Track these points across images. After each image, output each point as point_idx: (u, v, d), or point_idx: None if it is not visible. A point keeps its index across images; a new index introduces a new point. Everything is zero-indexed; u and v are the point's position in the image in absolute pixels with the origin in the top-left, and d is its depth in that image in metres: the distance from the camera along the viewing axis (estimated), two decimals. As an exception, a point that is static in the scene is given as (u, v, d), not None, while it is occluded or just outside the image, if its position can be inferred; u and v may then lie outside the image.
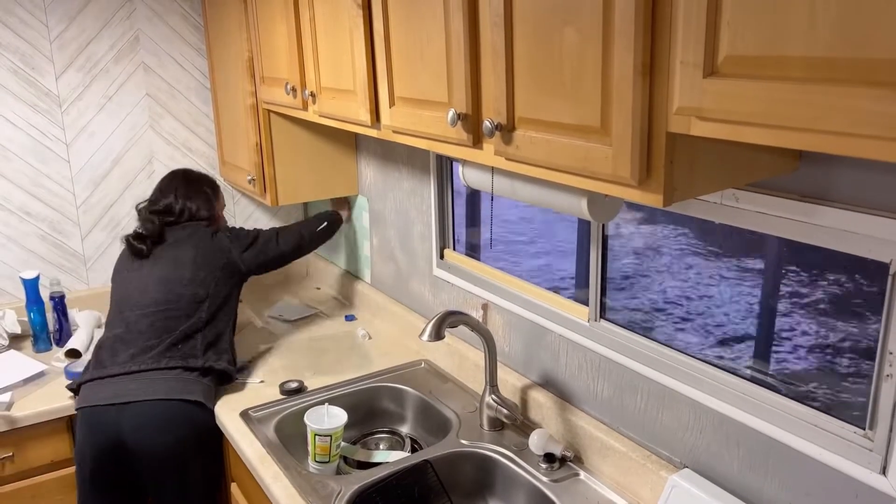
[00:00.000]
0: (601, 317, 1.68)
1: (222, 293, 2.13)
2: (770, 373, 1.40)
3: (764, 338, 1.50)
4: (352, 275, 2.78)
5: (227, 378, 2.10)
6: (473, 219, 2.32)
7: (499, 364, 2.00)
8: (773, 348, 1.45)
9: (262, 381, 2.16)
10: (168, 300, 2.07)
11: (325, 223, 2.40)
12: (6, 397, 2.07)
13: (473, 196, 2.34)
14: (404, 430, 2.11)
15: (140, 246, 2.14)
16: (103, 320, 2.61)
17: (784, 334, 1.44)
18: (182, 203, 2.22)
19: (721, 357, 1.45)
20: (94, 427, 1.93)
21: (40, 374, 2.26)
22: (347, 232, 2.75)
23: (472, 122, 1.33)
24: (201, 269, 2.11)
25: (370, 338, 2.45)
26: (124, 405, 1.92)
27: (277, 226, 2.56)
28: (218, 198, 2.35)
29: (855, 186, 1.11)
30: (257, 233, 2.26)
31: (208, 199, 2.28)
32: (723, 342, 1.51)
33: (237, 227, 2.28)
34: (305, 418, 1.80)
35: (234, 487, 2.09)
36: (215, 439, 2.05)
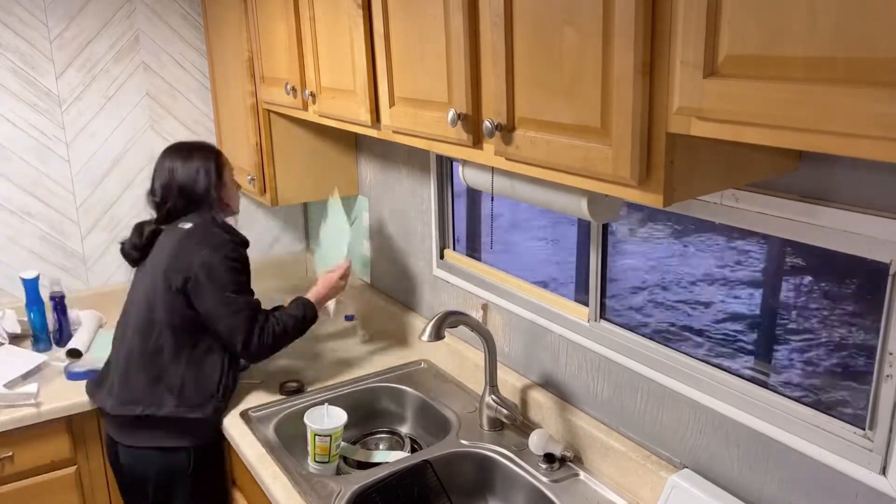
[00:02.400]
0: (601, 317, 1.68)
1: (175, 320, 1.89)
2: (769, 373, 1.40)
3: (765, 338, 1.50)
4: (352, 275, 2.78)
5: (195, 422, 1.89)
6: (473, 219, 2.32)
7: (499, 364, 2.00)
8: (774, 349, 1.45)
9: (261, 382, 2.17)
10: (136, 324, 1.94)
11: (304, 321, 2.00)
12: (32, 388, 2.09)
13: (473, 196, 2.34)
14: (404, 430, 2.11)
15: (132, 256, 2.03)
16: (105, 320, 2.61)
17: (785, 334, 1.44)
18: (170, 190, 1.96)
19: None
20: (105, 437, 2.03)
21: (38, 368, 2.27)
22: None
23: (472, 123, 1.33)
24: (164, 293, 1.88)
25: (370, 338, 2.45)
26: (120, 444, 1.97)
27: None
28: (222, 171, 2.04)
29: (855, 186, 1.11)
30: (239, 291, 1.89)
31: (201, 178, 1.98)
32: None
33: (237, 261, 1.93)
34: (305, 418, 1.80)
35: (234, 487, 2.09)
36: (199, 467, 1.93)
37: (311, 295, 2.07)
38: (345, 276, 2.15)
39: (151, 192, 2.02)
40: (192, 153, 2.00)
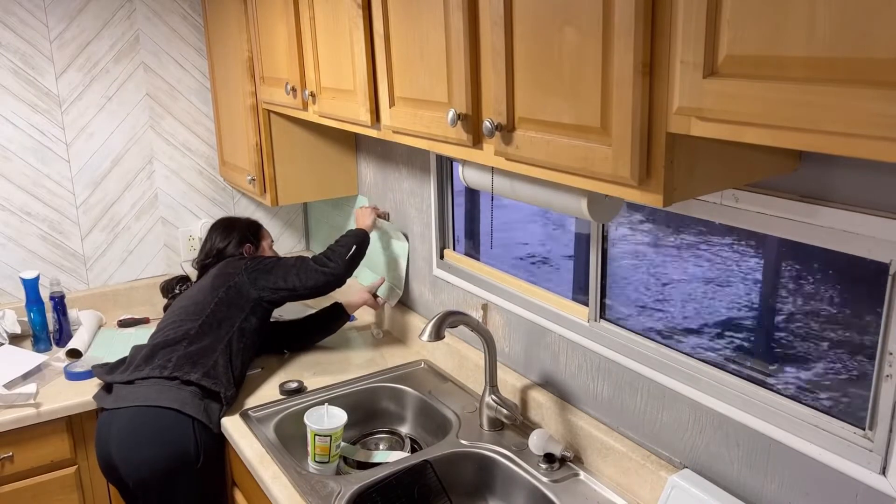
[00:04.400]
0: (601, 317, 1.68)
1: (223, 313, 2.07)
2: (769, 373, 1.40)
3: (764, 337, 1.50)
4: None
5: (212, 394, 1.97)
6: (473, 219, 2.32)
7: (499, 364, 2.00)
8: (773, 348, 1.45)
9: (261, 370, 2.23)
10: (174, 319, 2.09)
11: (354, 248, 2.19)
12: (31, 388, 2.10)
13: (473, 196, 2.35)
14: (404, 430, 2.11)
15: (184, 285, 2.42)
16: (104, 320, 2.62)
17: (784, 333, 1.44)
18: (215, 245, 2.32)
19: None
20: (96, 431, 2.00)
21: (38, 369, 2.27)
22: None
23: (472, 123, 1.33)
24: (210, 290, 2.11)
25: (382, 335, 2.46)
26: (115, 410, 1.94)
27: (307, 254, 2.40)
28: (258, 237, 2.38)
29: (855, 186, 1.11)
30: (277, 260, 2.18)
31: (243, 238, 2.32)
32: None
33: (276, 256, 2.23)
34: (305, 418, 1.80)
35: (234, 488, 2.09)
36: (206, 462, 1.93)
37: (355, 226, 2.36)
38: (374, 211, 2.38)
39: (199, 257, 2.37)
40: (233, 226, 2.36)
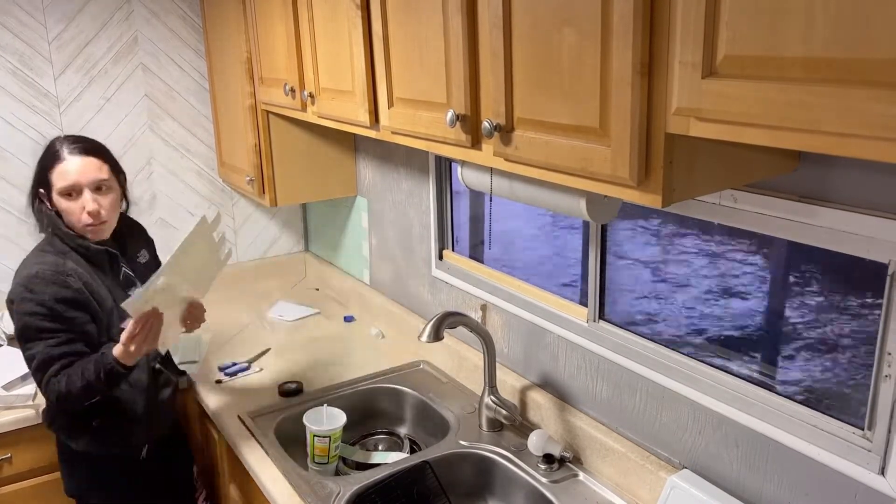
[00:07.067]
0: (600, 317, 1.68)
1: None
2: (767, 373, 1.40)
3: (770, 341, 1.50)
4: (350, 276, 2.78)
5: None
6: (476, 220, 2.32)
7: (498, 365, 2.00)
8: (773, 348, 1.45)
9: (260, 369, 2.22)
10: None
11: (103, 380, 1.63)
12: (30, 389, 2.10)
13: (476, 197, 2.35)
14: (403, 431, 2.11)
15: None
16: (102, 321, 2.60)
17: (783, 334, 1.44)
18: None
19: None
20: None
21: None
22: (346, 233, 2.75)
23: (470, 123, 1.33)
24: None
25: (383, 336, 2.46)
26: None
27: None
28: (48, 183, 1.73)
29: (854, 186, 1.11)
30: (35, 336, 1.67)
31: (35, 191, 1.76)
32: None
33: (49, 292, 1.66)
34: (304, 419, 1.80)
35: (232, 489, 2.09)
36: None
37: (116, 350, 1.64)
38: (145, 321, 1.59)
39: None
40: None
